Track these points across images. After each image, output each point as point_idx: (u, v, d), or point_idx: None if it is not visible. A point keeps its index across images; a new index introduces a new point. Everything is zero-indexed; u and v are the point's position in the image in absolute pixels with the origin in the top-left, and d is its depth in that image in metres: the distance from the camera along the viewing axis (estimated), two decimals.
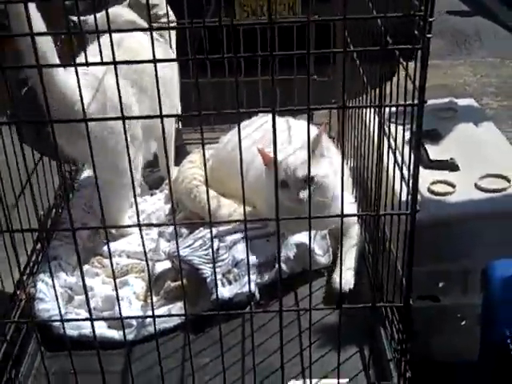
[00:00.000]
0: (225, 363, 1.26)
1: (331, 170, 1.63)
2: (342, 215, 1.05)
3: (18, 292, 1.54)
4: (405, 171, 1.16)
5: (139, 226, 1.11)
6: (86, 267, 1.70)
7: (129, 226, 1.83)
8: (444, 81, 4.15)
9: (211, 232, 1.16)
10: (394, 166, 1.25)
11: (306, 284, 1.54)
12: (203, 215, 1.79)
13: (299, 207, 1.54)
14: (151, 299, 1.28)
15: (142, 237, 1.13)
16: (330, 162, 1.65)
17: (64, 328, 1.25)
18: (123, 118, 0.98)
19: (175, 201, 1.87)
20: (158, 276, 1.64)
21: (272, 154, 1.54)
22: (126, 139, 1.03)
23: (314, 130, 1.89)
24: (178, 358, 1.42)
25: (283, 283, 1.48)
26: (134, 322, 1.48)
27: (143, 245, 1.15)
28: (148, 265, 1.23)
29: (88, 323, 1.33)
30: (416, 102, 0.95)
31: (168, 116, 1.44)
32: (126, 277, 1.66)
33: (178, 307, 1.53)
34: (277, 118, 1.88)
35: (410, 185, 1.03)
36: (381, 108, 1.18)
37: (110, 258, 1.19)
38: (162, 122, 1.00)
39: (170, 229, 1.80)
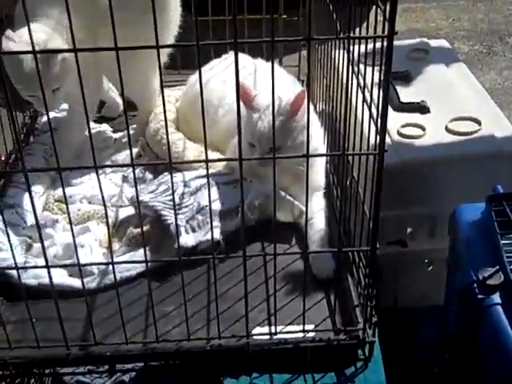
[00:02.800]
0: (188, 311, 1.24)
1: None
2: (308, 155, 1.01)
3: None
4: (374, 111, 1.11)
5: (95, 167, 1.05)
6: (45, 213, 1.64)
7: (84, 168, 1.70)
8: (416, 25, 4.10)
9: (171, 174, 1.11)
10: (363, 105, 1.21)
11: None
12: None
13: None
14: (110, 246, 1.24)
15: (99, 181, 1.09)
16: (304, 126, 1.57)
17: (20, 277, 1.20)
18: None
19: (142, 143, 1.82)
20: (120, 222, 1.59)
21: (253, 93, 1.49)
22: None
23: (279, 72, 1.84)
24: (141, 306, 1.38)
25: (249, 231, 1.46)
26: (95, 269, 1.44)
27: (100, 189, 1.10)
28: (106, 210, 1.17)
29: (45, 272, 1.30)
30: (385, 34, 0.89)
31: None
32: (87, 223, 1.60)
33: (140, 254, 1.48)
34: (245, 56, 1.85)
35: (379, 124, 0.98)
36: (349, 40, 1.12)
37: (66, 204, 1.14)
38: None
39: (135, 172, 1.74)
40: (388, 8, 0.94)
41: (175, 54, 1.98)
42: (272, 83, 0.99)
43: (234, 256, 1.13)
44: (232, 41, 0.88)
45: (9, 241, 1.21)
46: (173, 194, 1.22)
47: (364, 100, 1.22)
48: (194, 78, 1.91)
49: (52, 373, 1.78)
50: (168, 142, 1.04)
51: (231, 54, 1.91)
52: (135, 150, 1.84)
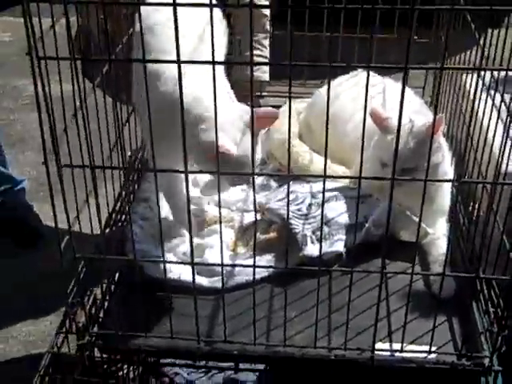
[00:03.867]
0: (312, 319, 1.27)
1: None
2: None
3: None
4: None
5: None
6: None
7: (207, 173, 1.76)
8: None
9: (288, 185, 1.16)
10: (505, 135, 1.21)
11: (393, 250, 1.54)
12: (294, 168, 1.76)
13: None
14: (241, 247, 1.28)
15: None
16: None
17: (165, 270, 1.27)
18: None
19: (266, 153, 1.86)
20: (246, 227, 1.65)
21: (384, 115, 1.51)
22: None
23: (409, 93, 1.85)
24: (264, 309, 1.43)
25: (371, 247, 1.49)
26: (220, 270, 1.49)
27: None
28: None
29: (175, 268, 1.37)
30: None
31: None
32: (214, 225, 1.66)
33: (265, 260, 1.54)
34: (374, 75, 1.87)
35: None
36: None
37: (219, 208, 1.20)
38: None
39: (260, 180, 1.80)
40: None
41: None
42: (400, 108, 1.01)
43: (373, 271, 1.15)
44: (365, 65, 0.91)
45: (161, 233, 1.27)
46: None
47: (506, 128, 1.22)
48: (322, 90, 1.95)
49: (153, 362, 1.86)
50: (289, 154, 1.08)
51: (359, 71, 1.94)
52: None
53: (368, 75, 1.02)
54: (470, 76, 1.64)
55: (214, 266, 1.48)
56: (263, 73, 2.27)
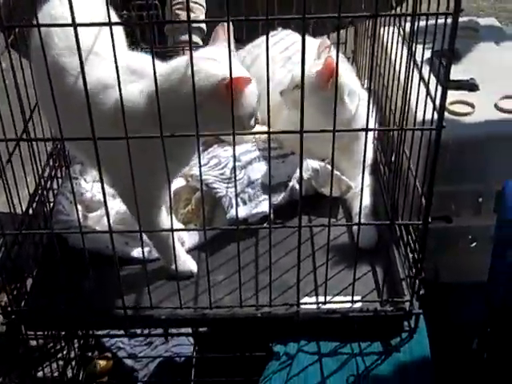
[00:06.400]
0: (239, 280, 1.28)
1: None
2: (367, 129, 1.04)
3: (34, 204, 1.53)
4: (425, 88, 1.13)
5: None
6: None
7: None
8: None
9: (234, 146, 1.13)
10: (419, 83, 1.22)
11: (319, 206, 1.56)
12: None
13: None
14: (171, 213, 1.27)
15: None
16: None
17: (84, 242, 1.25)
18: None
19: None
20: (175, 193, 1.63)
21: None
22: None
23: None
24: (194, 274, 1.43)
25: (296, 204, 1.49)
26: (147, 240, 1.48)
27: None
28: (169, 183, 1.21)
29: (105, 238, 1.35)
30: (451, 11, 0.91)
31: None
32: None
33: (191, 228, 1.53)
34: (293, 33, 1.87)
35: (437, 100, 1.01)
36: (405, 18, 1.14)
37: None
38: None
39: None
40: None
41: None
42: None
43: (290, 226, 1.16)
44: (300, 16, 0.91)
45: (76, 207, 1.25)
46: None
47: (421, 77, 1.23)
48: (243, 53, 1.94)
49: (93, 334, 1.86)
50: (232, 113, 1.06)
51: (279, 31, 1.93)
52: None
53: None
54: (387, 29, 1.64)
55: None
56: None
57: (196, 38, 2.24)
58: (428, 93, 1.12)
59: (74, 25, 0.94)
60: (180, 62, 1.23)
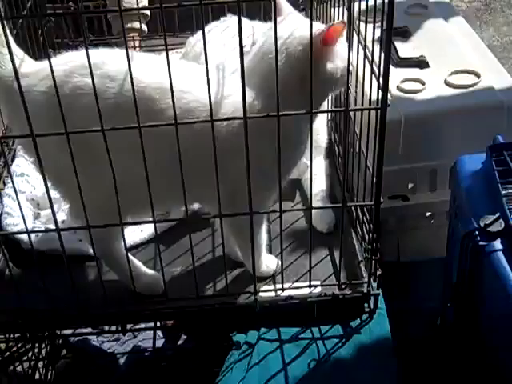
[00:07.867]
0: (196, 271, 1.26)
1: None
2: (312, 112, 1.02)
3: None
4: (375, 67, 1.12)
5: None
6: None
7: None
8: None
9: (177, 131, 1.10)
10: (364, 62, 1.21)
11: None
12: None
13: None
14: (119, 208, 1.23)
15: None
16: None
17: (31, 242, 1.21)
18: None
19: None
20: None
21: None
22: None
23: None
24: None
25: None
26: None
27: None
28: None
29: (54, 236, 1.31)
30: None
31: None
32: None
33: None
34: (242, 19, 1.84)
35: (381, 79, 0.99)
36: None
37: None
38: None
39: None
40: None
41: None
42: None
43: (242, 214, 1.14)
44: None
45: (20, 207, 1.21)
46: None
47: (365, 56, 1.22)
48: (193, 39, 1.90)
49: (61, 335, 1.82)
50: (174, 103, 1.04)
51: (229, 17, 1.90)
52: None
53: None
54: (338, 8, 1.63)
55: None
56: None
57: (139, 24, 2.21)
58: (372, 71, 1.10)
59: None
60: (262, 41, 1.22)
